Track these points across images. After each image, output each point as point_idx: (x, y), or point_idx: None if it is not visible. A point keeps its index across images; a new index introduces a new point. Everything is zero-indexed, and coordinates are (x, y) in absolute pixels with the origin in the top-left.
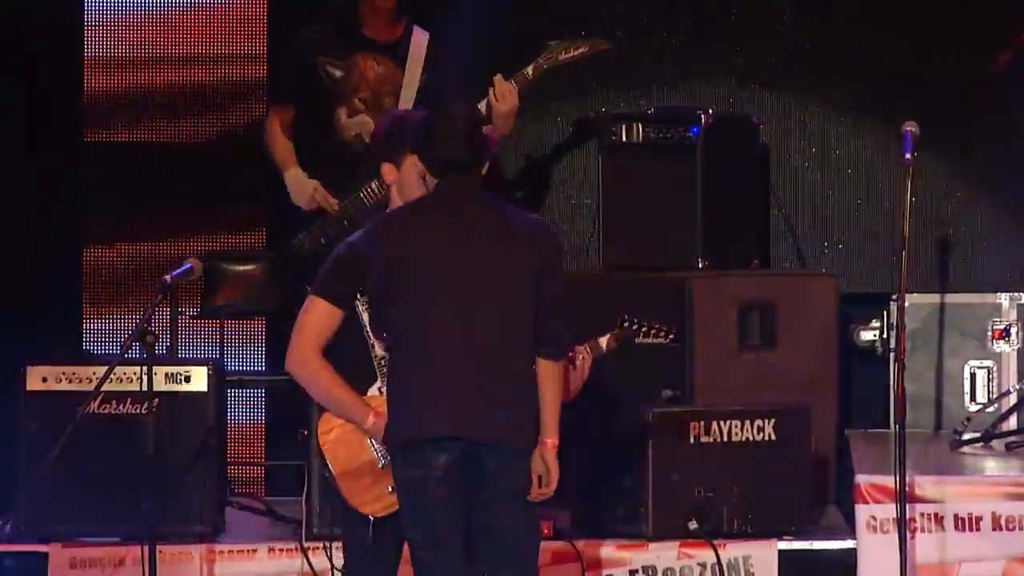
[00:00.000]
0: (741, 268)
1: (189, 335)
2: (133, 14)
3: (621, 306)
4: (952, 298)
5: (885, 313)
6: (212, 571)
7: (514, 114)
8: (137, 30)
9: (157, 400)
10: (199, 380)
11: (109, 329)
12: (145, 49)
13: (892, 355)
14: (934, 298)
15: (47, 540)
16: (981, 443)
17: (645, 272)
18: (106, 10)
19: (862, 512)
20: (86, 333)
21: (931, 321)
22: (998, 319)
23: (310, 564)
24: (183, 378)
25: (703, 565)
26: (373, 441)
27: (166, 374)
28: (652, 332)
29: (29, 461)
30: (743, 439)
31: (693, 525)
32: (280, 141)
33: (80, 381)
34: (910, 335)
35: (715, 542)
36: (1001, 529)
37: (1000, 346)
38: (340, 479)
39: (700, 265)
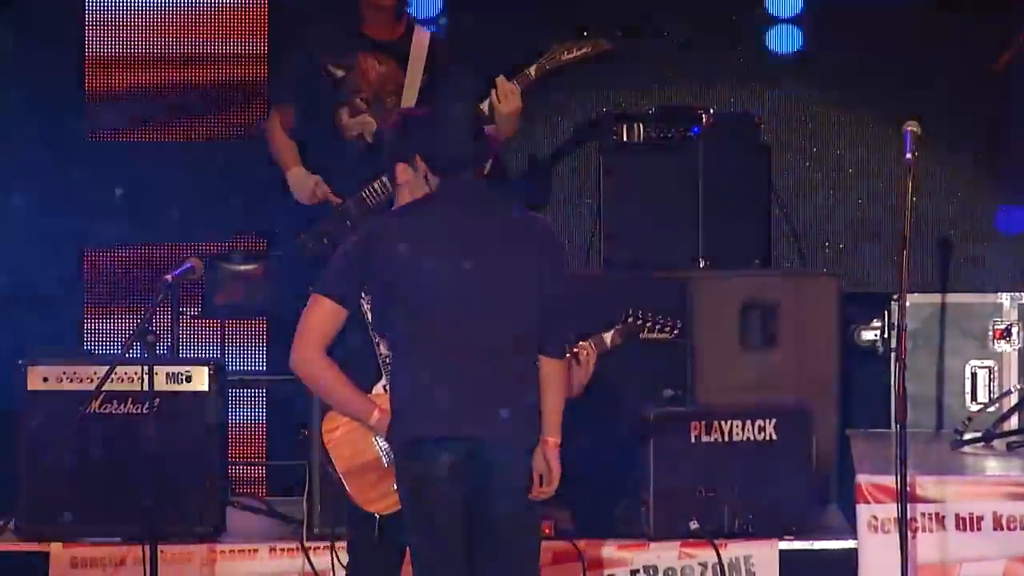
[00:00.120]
0: (742, 268)
1: (190, 335)
2: (135, 13)
3: (622, 306)
4: (953, 298)
5: (886, 313)
6: (213, 571)
7: (517, 115)
8: (139, 30)
9: (158, 400)
10: (200, 380)
11: (110, 329)
12: (147, 49)
13: (893, 355)
14: (935, 298)
15: (48, 540)
16: (982, 443)
17: (646, 272)
18: (108, 9)
19: (863, 512)
20: (87, 333)
21: (932, 321)
22: (999, 319)
23: (311, 564)
24: (184, 378)
25: (704, 565)
26: (378, 439)
27: (167, 374)
28: (657, 327)
29: (30, 460)
30: (744, 439)
31: (694, 525)
32: (282, 140)
33: (81, 381)
34: (911, 335)
35: (716, 542)
36: (1002, 529)
37: (1001, 346)
38: (345, 477)
39: (701, 265)
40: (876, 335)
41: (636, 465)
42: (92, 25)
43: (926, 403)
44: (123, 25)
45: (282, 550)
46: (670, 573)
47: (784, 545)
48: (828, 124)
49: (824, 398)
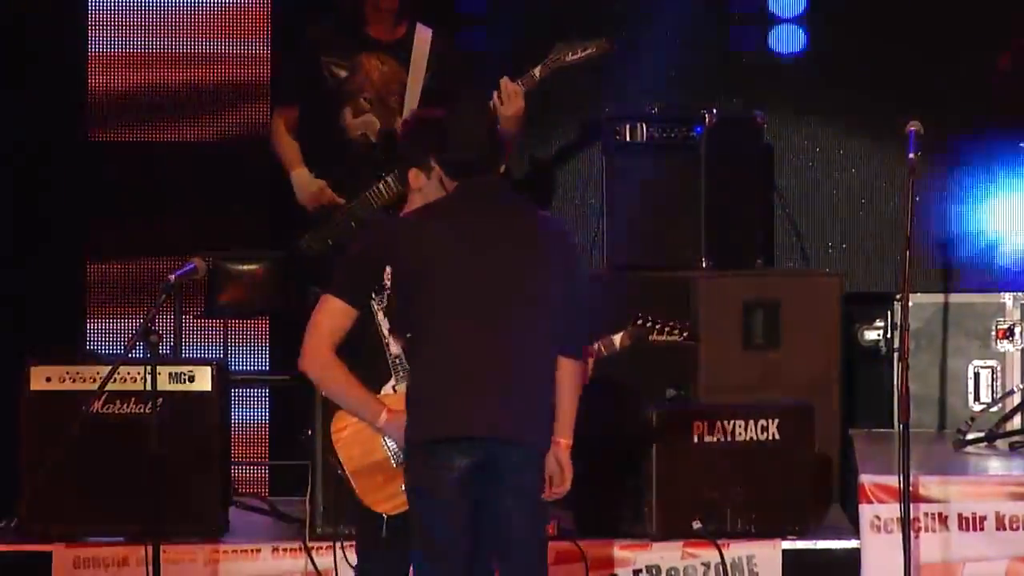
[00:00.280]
0: (745, 268)
1: (193, 335)
2: (138, 13)
3: (627, 306)
4: (956, 298)
5: (889, 313)
6: (216, 571)
7: (520, 116)
8: (142, 29)
9: (161, 400)
10: (203, 380)
11: (113, 329)
12: (149, 48)
13: (896, 355)
14: (938, 298)
15: (51, 540)
16: (985, 443)
17: (649, 272)
18: (110, 9)
19: (866, 512)
20: (90, 333)
21: (935, 321)
22: (1002, 319)
23: (314, 564)
24: (187, 378)
25: (707, 565)
26: (387, 440)
27: (170, 374)
28: (667, 330)
29: (33, 461)
30: (747, 438)
31: (697, 525)
32: (285, 141)
33: (84, 381)
34: (914, 335)
35: (719, 542)
36: (1005, 529)
37: (1004, 346)
38: (353, 477)
39: (704, 265)
40: (879, 335)
41: (639, 465)
42: (95, 25)
43: (929, 403)
44: (127, 24)
45: (285, 550)
46: (673, 573)
47: (787, 545)
48: (831, 123)
49: (827, 398)
